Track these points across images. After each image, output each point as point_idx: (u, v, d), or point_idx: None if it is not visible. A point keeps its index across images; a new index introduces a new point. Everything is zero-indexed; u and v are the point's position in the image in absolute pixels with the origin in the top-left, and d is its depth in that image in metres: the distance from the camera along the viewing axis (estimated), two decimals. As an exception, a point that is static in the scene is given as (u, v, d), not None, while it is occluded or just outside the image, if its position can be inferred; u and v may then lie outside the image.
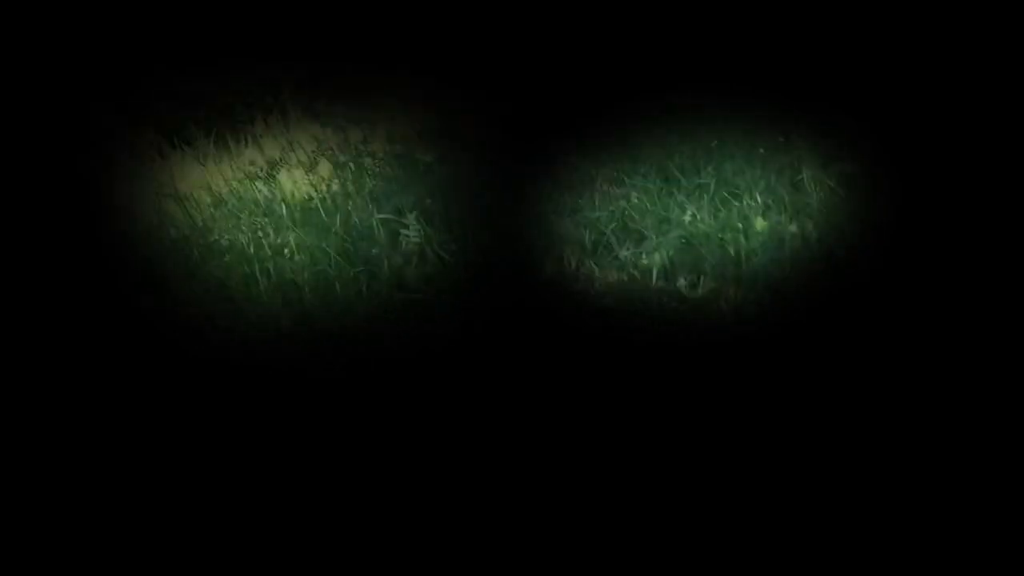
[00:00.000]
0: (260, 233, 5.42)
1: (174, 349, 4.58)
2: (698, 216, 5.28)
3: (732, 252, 4.97)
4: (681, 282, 4.95)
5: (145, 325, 4.69)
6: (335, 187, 5.94)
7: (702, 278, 4.92)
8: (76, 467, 3.91)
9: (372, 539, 3.47)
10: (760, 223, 5.15)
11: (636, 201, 5.38)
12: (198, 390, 4.25)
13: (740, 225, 5.17)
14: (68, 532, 3.60)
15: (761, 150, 5.82)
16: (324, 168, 6.06)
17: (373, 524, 3.51)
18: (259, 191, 5.80)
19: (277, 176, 5.84)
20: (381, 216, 5.47)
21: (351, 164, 6.04)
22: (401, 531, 3.49)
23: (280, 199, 5.77)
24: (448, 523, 3.49)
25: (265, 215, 5.61)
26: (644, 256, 5.15)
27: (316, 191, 5.86)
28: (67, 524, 3.64)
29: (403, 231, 5.37)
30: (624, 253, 5.18)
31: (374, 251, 5.28)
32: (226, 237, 5.36)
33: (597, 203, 5.60)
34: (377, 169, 5.81)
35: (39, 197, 5.32)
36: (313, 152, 6.14)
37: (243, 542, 3.48)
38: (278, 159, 6.10)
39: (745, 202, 5.27)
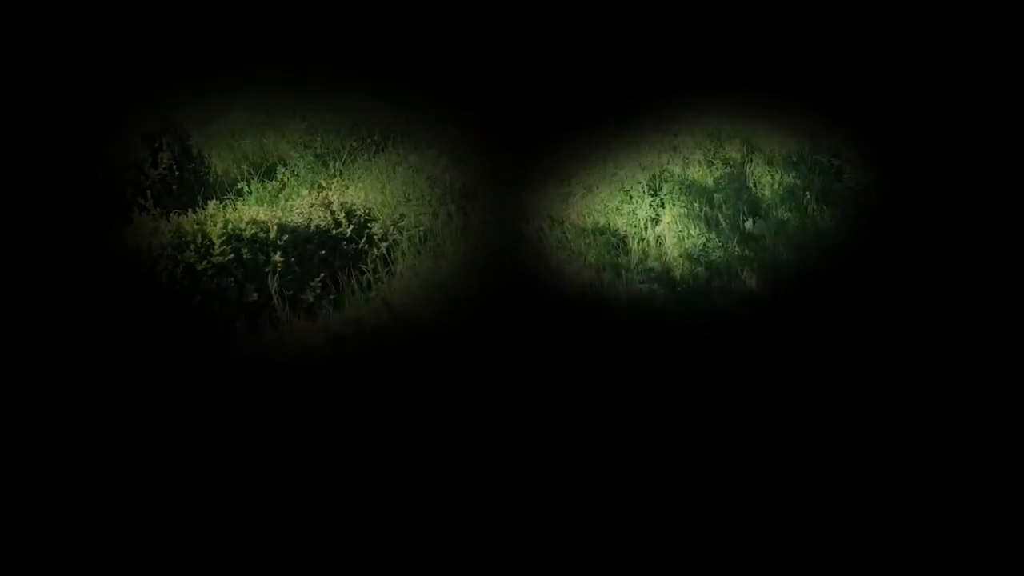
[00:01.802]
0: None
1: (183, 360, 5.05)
2: (705, 215, 5.14)
3: (738, 250, 5.39)
4: (686, 281, 4.77)
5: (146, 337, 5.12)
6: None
7: (706, 278, 5.22)
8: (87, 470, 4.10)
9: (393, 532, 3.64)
10: (767, 222, 5.09)
11: (639, 200, 5.31)
12: (208, 395, 4.65)
13: (747, 225, 4.97)
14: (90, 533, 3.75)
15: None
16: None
17: (397, 520, 3.69)
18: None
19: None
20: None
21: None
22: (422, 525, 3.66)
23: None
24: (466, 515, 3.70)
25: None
26: (647, 255, 4.97)
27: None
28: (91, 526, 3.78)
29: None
30: (630, 251, 5.05)
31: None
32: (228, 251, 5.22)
33: (604, 204, 5.52)
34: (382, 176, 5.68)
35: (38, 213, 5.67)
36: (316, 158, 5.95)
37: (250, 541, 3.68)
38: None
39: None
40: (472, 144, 8.35)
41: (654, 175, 8.51)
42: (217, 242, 7.12)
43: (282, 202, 8.25)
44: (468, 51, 6.45)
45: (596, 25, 6.78)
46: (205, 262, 6.99)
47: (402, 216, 8.41)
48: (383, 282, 8.11)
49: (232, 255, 7.14)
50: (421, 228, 8.43)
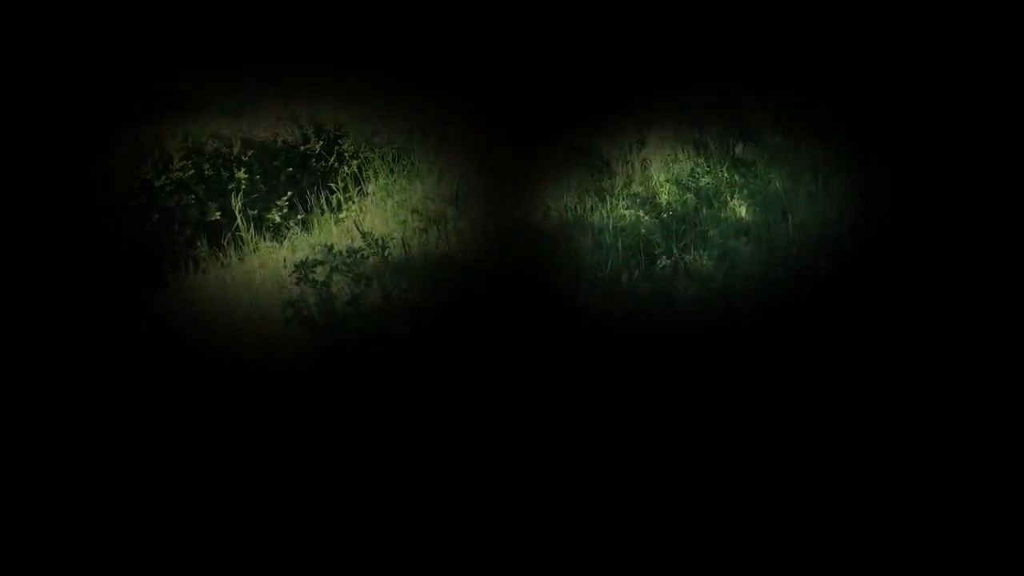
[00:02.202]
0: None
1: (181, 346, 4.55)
2: (701, 214, 5.30)
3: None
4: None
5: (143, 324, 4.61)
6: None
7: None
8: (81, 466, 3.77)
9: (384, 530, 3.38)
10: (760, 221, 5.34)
11: (636, 199, 5.53)
12: (201, 386, 4.22)
13: (738, 149, 5.39)
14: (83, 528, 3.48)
15: (763, 150, 5.72)
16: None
17: (385, 515, 3.45)
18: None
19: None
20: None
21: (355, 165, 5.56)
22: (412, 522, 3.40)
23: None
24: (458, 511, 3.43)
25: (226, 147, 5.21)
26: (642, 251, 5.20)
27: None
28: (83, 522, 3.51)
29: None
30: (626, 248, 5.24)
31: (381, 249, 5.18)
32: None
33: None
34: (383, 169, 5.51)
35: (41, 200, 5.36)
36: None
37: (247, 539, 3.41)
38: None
39: (746, 200, 5.42)
40: (502, 143, 7.83)
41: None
42: (176, 156, 6.65)
43: (246, 116, 7.74)
44: (467, 51, 6.09)
45: (597, 26, 6.45)
46: (164, 178, 6.54)
47: (375, 133, 7.97)
48: (354, 202, 7.71)
49: (192, 171, 6.69)
50: (395, 147, 7.99)
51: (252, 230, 6.91)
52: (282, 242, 7.06)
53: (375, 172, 7.85)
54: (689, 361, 4.53)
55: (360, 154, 7.89)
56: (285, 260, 6.11)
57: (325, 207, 7.46)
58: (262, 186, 7.23)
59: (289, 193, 7.33)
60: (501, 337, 4.83)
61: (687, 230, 6.44)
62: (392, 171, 7.84)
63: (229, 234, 6.73)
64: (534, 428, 3.97)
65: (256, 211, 7.12)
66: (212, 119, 7.34)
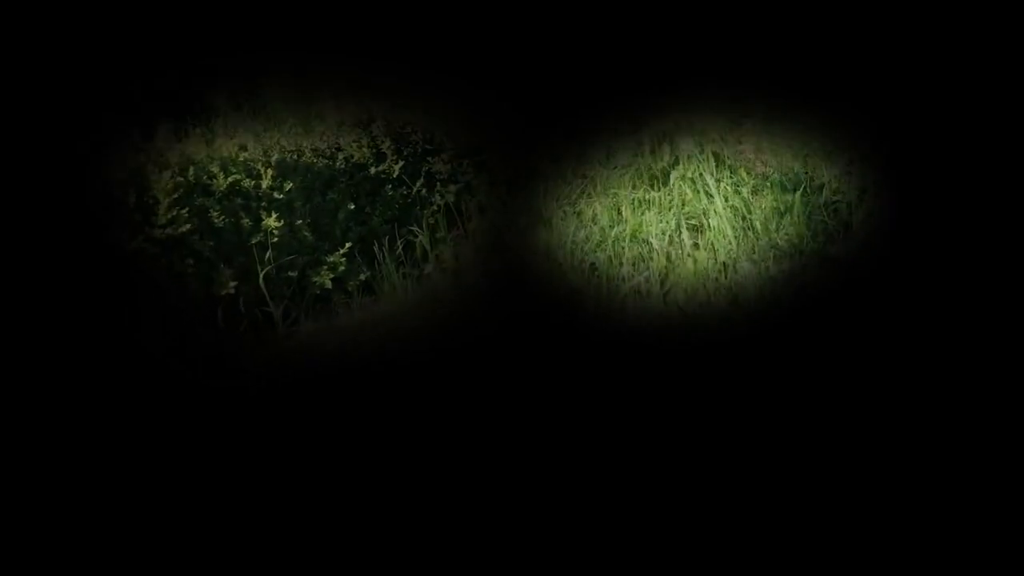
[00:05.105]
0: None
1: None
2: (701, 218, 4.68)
3: (735, 253, 4.51)
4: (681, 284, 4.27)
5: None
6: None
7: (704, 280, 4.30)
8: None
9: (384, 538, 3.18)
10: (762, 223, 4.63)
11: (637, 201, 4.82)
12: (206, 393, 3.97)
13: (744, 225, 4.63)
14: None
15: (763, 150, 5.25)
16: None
17: (386, 523, 3.24)
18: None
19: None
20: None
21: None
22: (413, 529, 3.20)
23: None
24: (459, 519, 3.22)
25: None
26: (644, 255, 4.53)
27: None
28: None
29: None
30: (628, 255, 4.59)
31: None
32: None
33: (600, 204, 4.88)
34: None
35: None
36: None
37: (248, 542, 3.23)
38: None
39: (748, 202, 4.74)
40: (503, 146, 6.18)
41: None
42: (164, 197, 4.21)
43: (274, 120, 5.24)
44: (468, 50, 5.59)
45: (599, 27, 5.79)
46: (140, 237, 4.11)
47: (479, 148, 5.31)
48: (447, 248, 5.15)
49: (189, 223, 4.23)
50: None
51: (281, 309, 4.44)
52: (331, 319, 4.60)
53: (480, 204, 5.25)
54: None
55: (460, 177, 5.29)
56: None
57: (402, 259, 4.96)
58: (307, 234, 4.74)
59: (348, 243, 4.82)
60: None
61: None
62: (506, 204, 5.21)
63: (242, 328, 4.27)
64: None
65: (296, 272, 4.65)
66: (226, 129, 4.86)
